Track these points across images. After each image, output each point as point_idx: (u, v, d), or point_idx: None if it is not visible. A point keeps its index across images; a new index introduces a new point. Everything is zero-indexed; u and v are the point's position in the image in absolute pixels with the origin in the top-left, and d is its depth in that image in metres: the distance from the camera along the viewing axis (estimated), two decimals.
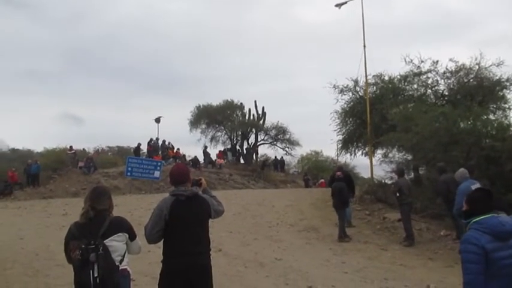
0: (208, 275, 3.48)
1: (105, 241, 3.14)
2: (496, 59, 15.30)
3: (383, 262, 8.12)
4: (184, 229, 3.41)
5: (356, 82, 17.50)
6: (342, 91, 17.58)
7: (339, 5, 17.64)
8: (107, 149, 33.37)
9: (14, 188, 20.10)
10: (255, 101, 33.69)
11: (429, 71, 16.08)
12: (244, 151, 33.66)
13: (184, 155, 27.42)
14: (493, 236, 2.67)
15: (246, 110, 33.91)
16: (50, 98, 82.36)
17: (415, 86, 16.51)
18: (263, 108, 33.60)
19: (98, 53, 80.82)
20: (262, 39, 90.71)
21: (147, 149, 25.89)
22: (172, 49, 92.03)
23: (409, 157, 14.43)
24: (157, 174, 20.57)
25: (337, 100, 17.77)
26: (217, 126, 34.28)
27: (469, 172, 8.01)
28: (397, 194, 9.75)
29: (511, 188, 9.31)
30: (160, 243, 3.49)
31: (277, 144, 34.72)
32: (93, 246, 3.07)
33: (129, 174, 20.37)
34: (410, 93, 16.49)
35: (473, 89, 15.62)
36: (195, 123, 33.70)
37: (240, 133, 33.96)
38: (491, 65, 15.37)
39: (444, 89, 16.41)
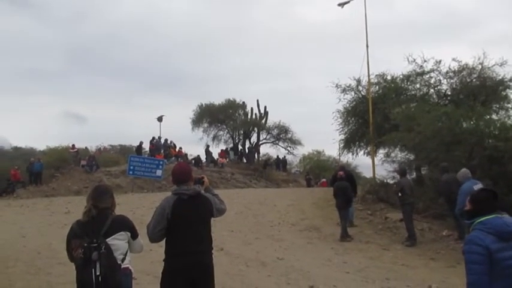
0: (210, 273, 3.48)
1: (107, 240, 3.14)
2: (499, 59, 15.19)
3: (385, 262, 8.11)
4: (187, 228, 3.41)
5: (358, 81, 17.44)
6: (344, 90, 17.51)
7: (341, 4, 17.52)
8: (109, 147, 33.44)
9: (16, 186, 20.07)
10: (257, 100, 33.81)
11: (432, 70, 15.99)
12: (246, 150, 33.66)
13: (186, 154, 27.46)
14: (497, 236, 2.66)
15: (248, 109, 33.98)
16: (52, 97, 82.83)
17: (418, 85, 16.43)
18: (265, 107, 33.71)
19: (100, 52, 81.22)
20: (264, 38, 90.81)
21: (149, 148, 25.93)
22: (174, 48, 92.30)
23: (411, 157, 14.39)
24: (159, 173, 20.61)
25: (340, 99, 17.70)
26: (219, 125, 34.28)
27: (471, 172, 8.01)
28: (399, 194, 9.74)
29: None
30: (163, 242, 3.48)
31: (279, 144, 34.82)
32: (96, 245, 3.07)
33: (131, 172, 20.39)
34: (413, 92, 16.41)
35: (476, 89, 15.54)
36: (197, 122, 33.71)
37: (242, 132, 33.95)
38: (494, 65, 15.27)
39: (447, 89, 16.34)
